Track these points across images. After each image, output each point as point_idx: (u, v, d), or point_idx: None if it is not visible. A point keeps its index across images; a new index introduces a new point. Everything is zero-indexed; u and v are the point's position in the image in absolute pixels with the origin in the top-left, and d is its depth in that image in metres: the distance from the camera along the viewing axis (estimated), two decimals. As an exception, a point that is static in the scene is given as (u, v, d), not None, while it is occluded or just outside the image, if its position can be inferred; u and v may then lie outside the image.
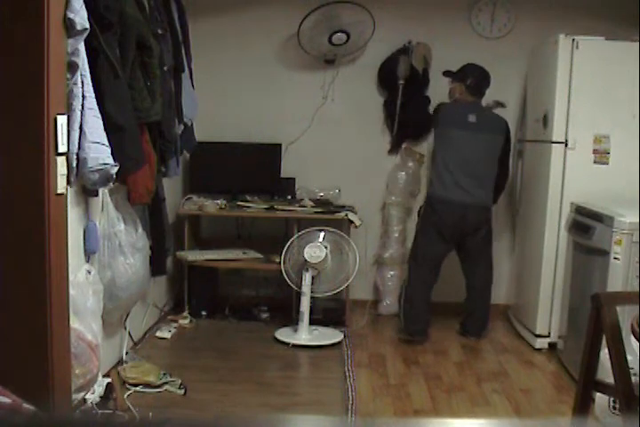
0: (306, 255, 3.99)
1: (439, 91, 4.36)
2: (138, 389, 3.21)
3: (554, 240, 3.89)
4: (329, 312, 4.36)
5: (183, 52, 3.63)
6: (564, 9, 4.43)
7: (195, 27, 3.98)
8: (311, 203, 4.43)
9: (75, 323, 2.62)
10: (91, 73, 2.55)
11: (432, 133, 4.31)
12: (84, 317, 2.73)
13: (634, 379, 2.38)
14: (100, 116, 2.59)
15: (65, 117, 2.36)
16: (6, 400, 1.41)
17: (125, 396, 3.09)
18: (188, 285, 4.42)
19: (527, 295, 4.17)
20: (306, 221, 4.34)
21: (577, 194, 3.80)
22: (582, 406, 2.52)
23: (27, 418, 1.06)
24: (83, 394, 2.75)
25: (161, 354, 3.80)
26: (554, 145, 3.85)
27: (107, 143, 2.61)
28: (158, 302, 4.26)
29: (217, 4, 4.60)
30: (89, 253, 2.94)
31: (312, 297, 4.09)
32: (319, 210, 4.34)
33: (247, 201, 4.50)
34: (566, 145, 3.83)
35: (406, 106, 4.49)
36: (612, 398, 2.76)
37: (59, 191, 2.33)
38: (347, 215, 4.27)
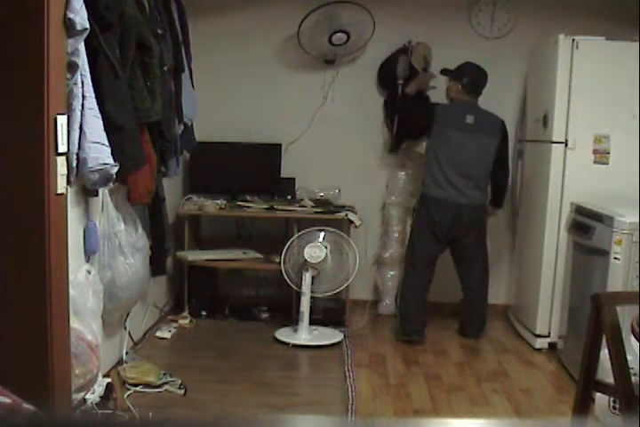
0: (306, 255, 3.99)
1: (439, 91, 4.36)
2: (138, 389, 3.21)
3: (554, 240, 3.89)
4: (329, 312, 4.36)
5: (183, 52, 3.63)
6: (564, 9, 4.43)
7: (195, 27, 3.98)
8: (311, 203, 4.43)
9: (75, 323, 2.62)
10: (91, 73, 2.55)
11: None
12: (84, 317, 2.73)
13: (634, 379, 2.38)
14: (99, 116, 2.59)
15: (65, 117, 2.35)
16: (6, 400, 1.41)
17: (125, 396, 3.09)
18: (188, 285, 4.42)
19: (527, 295, 4.17)
20: (306, 221, 4.34)
21: (577, 194, 3.80)
22: (582, 406, 2.52)
23: (27, 418, 1.06)
24: (83, 394, 2.75)
25: (161, 354, 3.80)
26: (554, 145, 3.85)
27: (107, 143, 2.61)
28: (158, 302, 4.26)
29: (217, 3, 4.60)
30: (89, 253, 2.94)
31: (312, 297, 4.09)
32: (319, 210, 4.34)
33: (247, 201, 4.50)
34: (566, 145, 3.83)
35: (406, 106, 4.49)
36: (612, 398, 2.76)
37: (59, 191, 2.33)
38: (347, 215, 4.27)
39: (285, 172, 4.61)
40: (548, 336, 3.95)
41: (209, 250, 4.43)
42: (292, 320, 4.24)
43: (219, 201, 4.40)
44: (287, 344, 3.95)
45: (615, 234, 3.21)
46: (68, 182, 2.45)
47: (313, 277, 4.06)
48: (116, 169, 2.65)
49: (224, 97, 4.66)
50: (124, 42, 2.81)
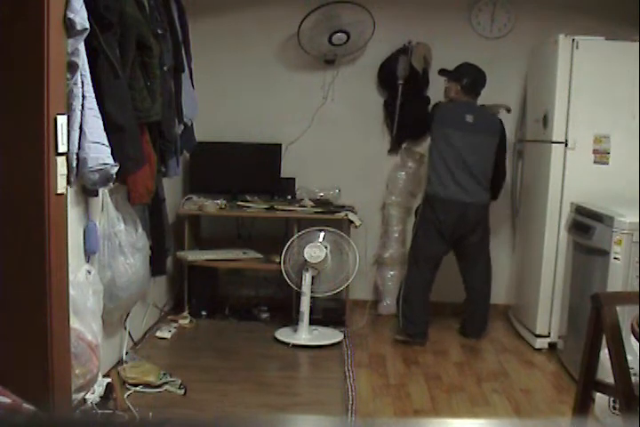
0: (306, 255, 3.99)
1: (439, 91, 4.35)
2: (138, 389, 3.21)
3: (554, 240, 3.89)
4: (329, 312, 4.36)
5: (183, 52, 3.63)
6: (564, 9, 4.43)
7: (195, 27, 3.98)
8: (311, 203, 4.43)
9: (75, 323, 2.62)
10: (91, 73, 2.55)
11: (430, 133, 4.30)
12: (84, 317, 2.73)
13: (634, 379, 2.38)
14: (99, 116, 2.59)
15: (65, 117, 2.35)
16: (6, 400, 1.41)
17: (125, 396, 3.09)
18: (188, 285, 4.42)
19: (527, 295, 4.17)
20: (306, 221, 4.34)
21: (577, 194, 3.80)
22: (582, 406, 2.52)
23: (27, 418, 1.06)
24: (83, 394, 2.75)
25: (161, 354, 3.80)
26: (554, 145, 3.85)
27: (107, 143, 2.61)
28: (158, 302, 4.26)
29: (217, 3, 4.60)
30: (89, 253, 2.94)
31: (312, 297, 4.09)
32: (319, 210, 4.34)
33: (247, 201, 4.50)
34: (566, 145, 3.83)
35: (406, 106, 4.49)
36: (612, 398, 2.76)
37: (59, 191, 2.33)
38: (347, 215, 4.27)
39: (285, 172, 4.61)
40: (548, 336, 3.95)
41: (209, 250, 4.43)
42: (291, 320, 4.24)
43: (219, 201, 4.40)
44: (287, 344, 3.95)
45: (615, 234, 3.21)
46: (68, 182, 2.45)
47: (313, 277, 4.06)
48: (115, 169, 2.65)
49: (224, 97, 4.66)
50: (123, 42, 2.81)
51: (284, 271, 4.12)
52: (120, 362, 3.46)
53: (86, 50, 2.50)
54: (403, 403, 3.24)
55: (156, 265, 3.59)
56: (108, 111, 2.68)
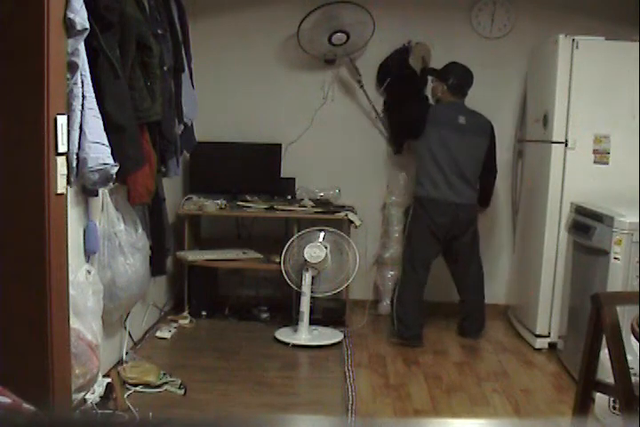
0: (306, 255, 3.99)
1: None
2: (138, 389, 3.21)
3: (554, 240, 3.89)
4: (329, 312, 4.36)
5: (183, 52, 3.63)
6: (563, 9, 4.43)
7: (195, 27, 3.98)
8: (311, 203, 4.43)
9: (75, 323, 2.62)
10: (91, 73, 2.55)
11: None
12: (84, 317, 2.73)
13: (634, 379, 2.38)
14: (99, 116, 2.59)
15: (65, 117, 2.35)
16: (6, 400, 1.41)
17: (125, 396, 3.09)
18: (188, 285, 4.42)
19: (527, 295, 4.17)
20: (306, 221, 4.34)
21: (577, 194, 3.80)
22: (582, 406, 2.52)
23: (27, 418, 1.06)
24: (83, 394, 2.75)
25: (161, 354, 3.80)
26: (554, 145, 3.85)
27: (107, 143, 2.61)
28: (158, 302, 4.26)
29: (217, 3, 4.60)
30: (89, 253, 2.94)
31: (312, 297, 4.09)
32: (319, 210, 4.34)
33: (247, 201, 4.50)
34: (566, 145, 3.83)
35: (406, 106, 4.48)
36: (612, 398, 2.76)
37: (59, 191, 2.32)
38: (347, 215, 4.27)
39: (285, 172, 4.61)
40: (548, 336, 3.95)
41: (209, 250, 4.43)
42: (292, 320, 4.24)
43: (219, 201, 4.40)
44: (287, 344, 3.95)
45: (615, 234, 3.21)
46: (68, 182, 2.45)
47: (313, 278, 4.06)
48: (115, 169, 2.65)
49: (224, 97, 4.66)
50: (123, 42, 2.81)
51: (283, 271, 4.12)
52: (120, 362, 3.46)
53: (86, 50, 2.50)
54: (403, 403, 3.24)
55: (156, 265, 3.59)
56: (108, 111, 2.68)
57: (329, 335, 4.08)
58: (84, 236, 2.90)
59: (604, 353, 2.44)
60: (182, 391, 3.21)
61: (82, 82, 2.48)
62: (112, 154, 2.63)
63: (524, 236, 4.40)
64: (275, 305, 4.54)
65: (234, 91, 4.68)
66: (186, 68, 3.67)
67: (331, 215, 4.31)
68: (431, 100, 4.21)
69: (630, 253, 3.17)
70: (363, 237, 4.56)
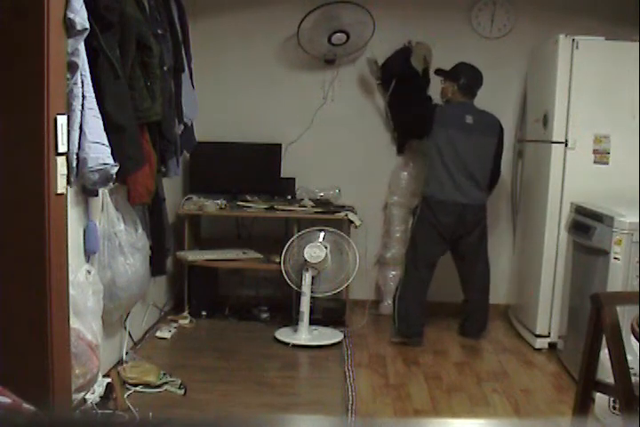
0: (306, 255, 3.99)
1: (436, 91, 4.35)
2: (138, 389, 3.21)
3: (554, 240, 3.89)
4: (329, 312, 4.36)
5: (183, 52, 3.63)
6: (563, 9, 4.43)
7: (195, 27, 3.98)
8: (311, 203, 4.43)
9: (75, 323, 2.62)
10: (91, 73, 2.55)
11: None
12: (84, 317, 2.73)
13: (634, 379, 2.38)
14: (99, 116, 2.59)
15: (65, 117, 2.35)
16: (6, 400, 1.41)
17: (125, 396, 3.09)
18: (188, 285, 4.42)
19: (527, 295, 4.17)
20: (306, 221, 4.34)
21: (577, 194, 3.80)
22: (582, 406, 2.52)
23: (27, 418, 1.06)
24: (83, 394, 2.75)
25: (161, 354, 3.80)
26: (554, 145, 3.85)
27: (107, 143, 2.61)
28: (158, 302, 4.26)
29: (217, 3, 4.60)
30: (89, 253, 2.94)
31: (312, 297, 4.09)
32: (319, 210, 4.34)
33: (247, 201, 4.50)
34: (566, 145, 3.83)
35: (408, 105, 4.48)
36: (612, 398, 2.76)
37: (59, 191, 2.33)
38: (347, 215, 4.27)
39: (285, 172, 4.61)
40: (548, 336, 3.95)
41: (209, 250, 4.43)
42: (292, 320, 4.24)
43: (219, 201, 4.40)
44: (287, 344, 3.95)
45: (615, 234, 3.21)
46: (68, 182, 2.45)
47: (313, 278, 4.06)
48: (115, 169, 2.65)
49: (224, 97, 4.66)
50: (123, 42, 2.81)
51: (283, 271, 4.12)
52: (120, 362, 3.46)
53: (86, 50, 2.50)
54: (403, 403, 3.24)
55: (156, 265, 3.59)
56: (108, 111, 2.68)
57: (329, 335, 4.08)
58: (84, 236, 2.90)
59: (604, 353, 2.44)
60: (182, 391, 3.21)
61: (82, 82, 2.48)
62: (112, 154, 2.63)
63: (524, 236, 4.40)
64: (275, 305, 4.54)
65: (234, 91, 4.68)
66: (186, 68, 3.67)
67: (331, 215, 4.31)
68: (440, 101, 4.20)
69: (630, 253, 3.17)
70: (363, 237, 4.56)
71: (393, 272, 4.61)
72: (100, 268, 3.01)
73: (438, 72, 4.17)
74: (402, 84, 4.46)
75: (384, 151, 4.69)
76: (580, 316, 3.34)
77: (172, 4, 3.54)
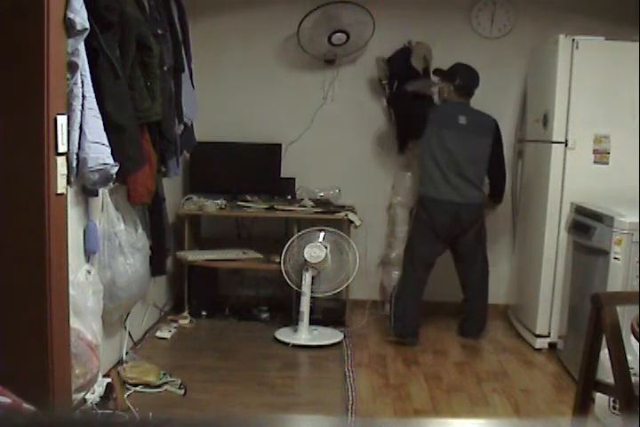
0: (306, 255, 3.99)
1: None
2: (138, 389, 3.21)
3: (554, 240, 3.89)
4: (329, 312, 4.36)
5: (183, 52, 3.63)
6: (563, 9, 4.43)
7: (195, 27, 3.98)
8: (311, 203, 4.43)
9: (75, 323, 2.62)
10: (91, 73, 2.55)
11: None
12: (84, 317, 2.73)
13: (634, 379, 2.38)
14: (99, 116, 2.59)
15: (65, 117, 2.35)
16: (6, 400, 1.41)
17: (125, 396, 3.09)
18: (188, 285, 4.42)
19: (527, 295, 4.17)
20: (306, 221, 4.34)
21: (577, 194, 3.80)
22: (582, 406, 2.52)
23: (27, 418, 1.06)
24: (83, 394, 2.75)
25: (161, 354, 3.80)
26: (554, 145, 3.85)
27: (107, 143, 2.61)
28: (158, 302, 4.26)
29: (217, 3, 4.60)
30: (89, 253, 2.94)
31: (312, 297, 4.09)
32: (319, 210, 4.34)
33: (247, 201, 4.50)
34: (566, 145, 3.83)
35: (409, 105, 4.48)
36: (612, 398, 2.76)
37: (59, 191, 2.33)
38: (347, 215, 4.27)
39: (285, 172, 4.61)
40: (548, 336, 3.95)
41: (209, 250, 4.43)
42: (292, 320, 4.24)
43: (219, 201, 4.40)
44: (287, 344, 3.95)
45: (615, 234, 3.21)
46: (68, 182, 2.45)
47: (313, 278, 4.06)
48: (115, 169, 2.65)
49: (224, 97, 4.66)
50: (123, 42, 2.81)
51: (283, 271, 4.12)
52: (120, 362, 3.46)
53: (86, 50, 2.50)
54: (403, 403, 3.24)
55: (156, 265, 3.59)
56: (108, 111, 2.68)
57: (329, 335, 4.08)
58: (84, 236, 2.90)
59: (604, 353, 2.44)
60: (182, 391, 3.21)
61: (82, 82, 2.48)
62: (112, 154, 2.63)
63: (524, 236, 4.40)
64: (275, 305, 4.54)
65: (234, 91, 4.68)
66: (186, 68, 3.67)
67: (331, 215, 4.31)
68: (437, 101, 4.21)
69: (630, 253, 3.17)
70: (363, 237, 4.56)
71: (396, 272, 4.60)
72: (100, 268, 3.01)
73: (436, 72, 4.17)
74: (403, 85, 4.46)
75: (385, 151, 4.69)
76: (580, 316, 3.34)
77: (172, 3, 3.54)
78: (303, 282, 4.05)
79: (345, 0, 4.39)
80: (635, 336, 2.23)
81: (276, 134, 4.63)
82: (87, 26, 2.40)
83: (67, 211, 2.46)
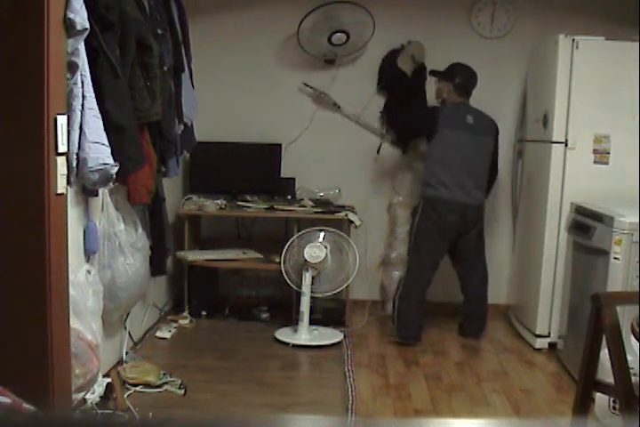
0: (306, 255, 3.99)
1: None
2: (138, 389, 3.21)
3: (554, 240, 3.89)
4: (329, 312, 4.36)
5: (183, 52, 3.63)
6: (564, 9, 4.43)
7: (195, 27, 3.98)
8: (311, 203, 4.43)
9: (75, 323, 2.62)
10: (91, 73, 2.55)
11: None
12: (84, 317, 2.73)
13: (634, 379, 2.38)
14: (99, 116, 2.59)
15: (65, 117, 2.35)
16: (6, 400, 1.41)
17: (125, 396, 3.09)
18: (188, 285, 4.42)
19: (527, 295, 4.17)
20: (306, 221, 4.34)
21: (577, 194, 3.80)
22: (582, 406, 2.52)
23: (27, 418, 1.06)
24: (83, 394, 2.75)
25: (161, 354, 3.80)
26: (554, 145, 3.85)
27: (107, 143, 2.61)
28: (158, 302, 4.26)
29: (217, 3, 4.60)
30: (89, 253, 2.94)
31: (312, 297, 4.09)
32: (319, 210, 4.34)
33: (247, 201, 4.50)
34: (566, 145, 3.83)
35: (404, 106, 4.48)
36: (612, 398, 2.76)
37: (59, 191, 2.33)
38: (347, 215, 4.27)
39: (285, 172, 4.61)
40: (548, 336, 3.95)
41: (209, 250, 4.43)
42: (292, 320, 4.24)
43: (219, 201, 4.40)
44: (287, 344, 3.95)
45: (615, 234, 3.21)
46: (68, 182, 2.45)
47: (313, 278, 4.06)
48: (116, 169, 2.65)
49: (224, 97, 4.66)
50: (123, 42, 2.81)
51: (283, 271, 4.12)
52: (120, 362, 3.46)
53: (86, 50, 2.50)
54: (403, 403, 3.24)
55: (156, 265, 3.58)
56: (108, 111, 2.68)
57: (329, 335, 4.08)
58: (84, 236, 2.90)
59: (604, 353, 2.44)
60: (182, 391, 3.21)
61: (82, 82, 2.48)
62: (112, 154, 2.63)
63: (524, 236, 4.40)
64: (275, 305, 4.54)
65: (234, 91, 4.68)
66: (186, 68, 3.67)
67: (331, 215, 4.31)
68: (435, 101, 4.20)
69: (630, 253, 3.17)
70: (363, 237, 4.56)
71: (397, 273, 4.60)
72: (100, 268, 3.01)
73: (432, 73, 4.17)
74: (392, 85, 4.47)
75: (385, 151, 4.69)
76: (580, 316, 3.35)
77: (172, 3, 3.54)
78: (303, 282, 4.05)
79: (345, 0, 4.39)
80: (635, 336, 2.23)
81: (275, 134, 4.63)
82: (87, 26, 2.40)
83: (67, 211, 2.46)
